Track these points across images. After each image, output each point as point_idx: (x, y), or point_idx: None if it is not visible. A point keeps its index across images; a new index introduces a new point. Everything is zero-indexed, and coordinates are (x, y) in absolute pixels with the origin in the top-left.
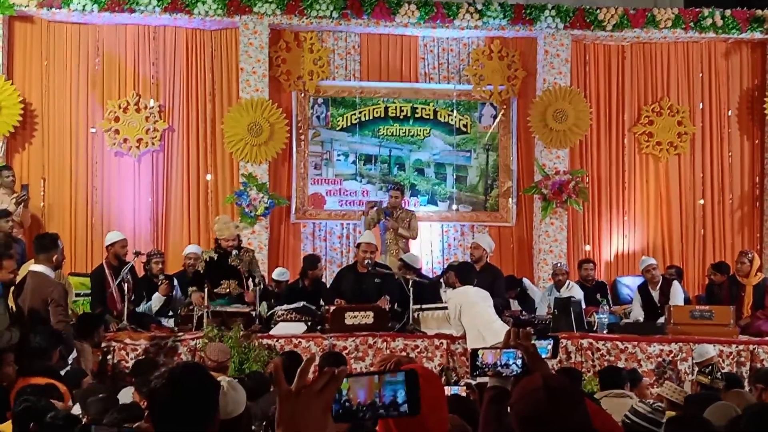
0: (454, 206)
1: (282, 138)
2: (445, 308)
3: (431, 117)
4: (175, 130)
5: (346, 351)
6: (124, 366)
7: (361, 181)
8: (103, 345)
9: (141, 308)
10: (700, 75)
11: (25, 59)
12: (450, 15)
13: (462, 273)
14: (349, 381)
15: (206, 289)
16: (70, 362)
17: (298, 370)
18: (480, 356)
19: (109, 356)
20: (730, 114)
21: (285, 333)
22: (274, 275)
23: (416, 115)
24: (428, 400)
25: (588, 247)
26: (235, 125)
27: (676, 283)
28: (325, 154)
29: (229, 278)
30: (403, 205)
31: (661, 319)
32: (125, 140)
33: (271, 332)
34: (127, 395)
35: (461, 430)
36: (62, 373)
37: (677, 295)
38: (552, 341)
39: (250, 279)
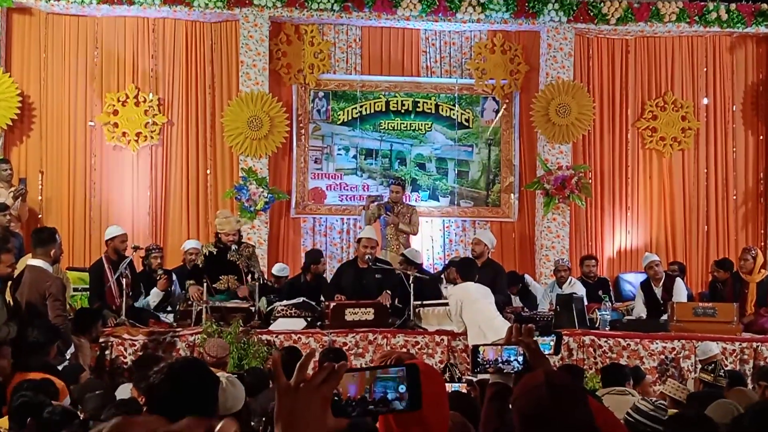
0: (456, 201)
1: (282, 132)
2: (446, 304)
3: (433, 111)
4: (175, 123)
5: (346, 347)
6: (122, 361)
7: (361, 176)
8: (101, 340)
9: (139, 303)
10: (705, 69)
11: (23, 51)
12: (452, 8)
13: (463, 269)
14: (344, 375)
15: (205, 284)
16: (67, 357)
17: (298, 364)
18: (481, 353)
19: (107, 351)
20: (734, 109)
21: (284, 329)
22: (274, 271)
23: (418, 109)
24: (429, 397)
25: None
26: (234, 119)
27: (679, 279)
28: (326, 148)
29: (227, 273)
30: (404, 200)
31: (664, 316)
32: (124, 134)
33: (271, 328)
34: (125, 391)
35: (462, 427)
36: (60, 368)
37: (680, 291)
38: (554, 338)
39: (249, 274)
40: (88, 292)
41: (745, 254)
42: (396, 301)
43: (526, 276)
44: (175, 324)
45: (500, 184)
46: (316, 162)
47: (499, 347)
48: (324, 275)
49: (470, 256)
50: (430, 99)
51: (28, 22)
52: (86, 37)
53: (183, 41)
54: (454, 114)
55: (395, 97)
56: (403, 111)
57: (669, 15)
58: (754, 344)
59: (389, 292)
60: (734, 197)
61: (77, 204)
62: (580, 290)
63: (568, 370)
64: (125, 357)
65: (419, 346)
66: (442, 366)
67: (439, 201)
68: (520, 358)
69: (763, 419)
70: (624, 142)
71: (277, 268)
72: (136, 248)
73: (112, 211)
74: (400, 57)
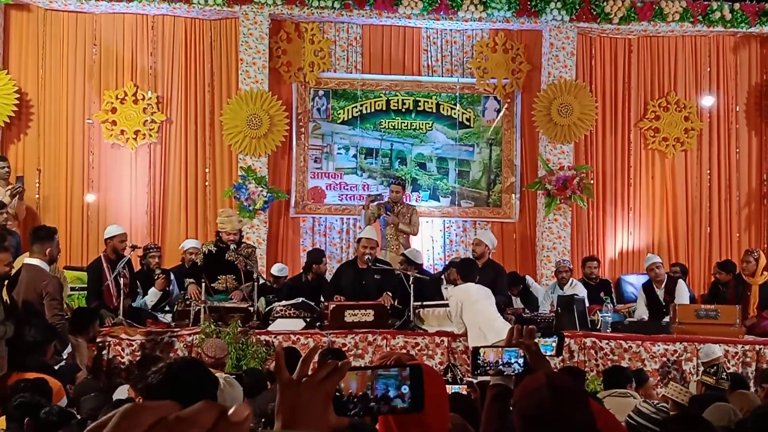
0: (457, 201)
1: (282, 131)
2: (447, 305)
3: (434, 110)
4: (173, 121)
5: (346, 348)
6: (120, 361)
7: (361, 175)
8: (98, 340)
9: (137, 303)
10: (708, 69)
11: (20, 48)
12: (454, 6)
13: (464, 270)
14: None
15: (203, 284)
16: (64, 357)
17: (302, 358)
18: (481, 354)
19: (104, 351)
20: (738, 109)
21: (283, 329)
22: (273, 271)
23: (418, 109)
24: (429, 398)
25: None
26: (234, 117)
27: (681, 281)
28: (326, 147)
29: (226, 273)
30: (404, 200)
31: (666, 318)
32: (122, 132)
33: (269, 328)
34: (122, 393)
35: (462, 429)
36: (57, 367)
37: (683, 293)
38: (556, 339)
39: (248, 275)
40: (86, 292)
41: (748, 256)
42: (396, 302)
43: (527, 277)
44: (173, 324)
45: (501, 184)
46: (315, 161)
47: (500, 349)
48: (325, 275)
49: (471, 256)
50: (431, 98)
51: (26, 19)
52: (84, 33)
53: (182, 38)
54: (455, 113)
55: (396, 96)
56: (403, 110)
57: (672, 14)
58: (757, 347)
59: (390, 293)
60: (737, 198)
61: (75, 202)
62: (582, 291)
63: (569, 371)
64: (122, 357)
65: (419, 348)
66: (442, 367)
67: (439, 201)
68: (521, 360)
69: (766, 422)
70: (626, 142)
71: (276, 269)
72: (134, 247)
73: (109, 210)
74: (401, 55)
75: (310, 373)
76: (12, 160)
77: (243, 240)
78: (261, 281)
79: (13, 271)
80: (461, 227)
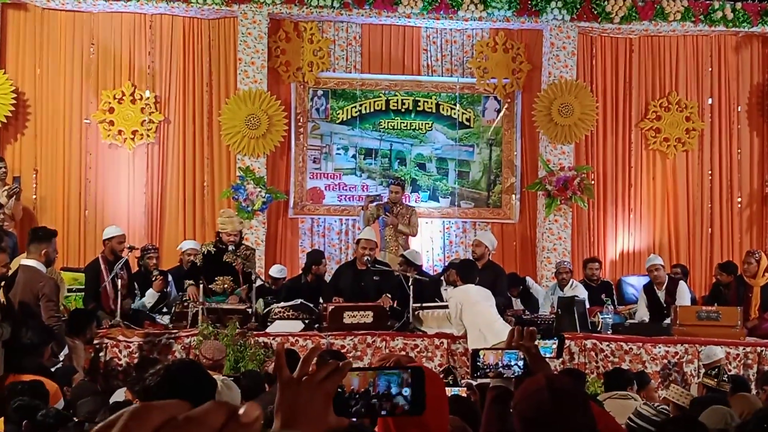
0: (456, 202)
1: (280, 131)
2: (446, 307)
3: (433, 110)
4: (171, 121)
5: (345, 350)
6: (117, 363)
7: (360, 176)
8: (95, 342)
9: (135, 305)
10: (710, 69)
11: (18, 47)
12: (454, 5)
13: (463, 271)
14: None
15: (201, 285)
16: (61, 359)
17: (303, 357)
18: (481, 357)
19: (102, 353)
20: (739, 110)
21: (281, 331)
22: (272, 272)
23: (418, 109)
24: (429, 400)
25: None
26: (232, 117)
27: (682, 283)
28: (325, 147)
29: (224, 274)
30: (403, 201)
31: (667, 320)
32: (120, 132)
33: (268, 330)
34: (120, 396)
35: (462, 431)
36: (53, 370)
37: (684, 295)
38: (557, 341)
39: (245, 276)
40: (83, 293)
41: (749, 258)
42: (395, 304)
43: (528, 278)
44: (170, 326)
45: (501, 184)
46: (314, 161)
47: (500, 351)
48: (325, 276)
49: (470, 257)
50: (431, 98)
51: (23, 18)
52: (82, 33)
53: (180, 38)
54: (455, 113)
55: (395, 96)
56: (403, 110)
57: (674, 14)
58: (758, 349)
59: (389, 295)
60: (739, 199)
61: (72, 203)
62: (582, 293)
63: (569, 374)
64: (120, 359)
65: (418, 349)
66: (441, 369)
67: (439, 202)
68: (521, 363)
69: (767, 425)
70: (627, 142)
71: (275, 270)
72: (131, 248)
73: (107, 211)
74: (400, 55)
75: (310, 372)
76: (9, 160)
77: (243, 242)
78: (259, 282)
79: (10, 272)
80: (461, 228)
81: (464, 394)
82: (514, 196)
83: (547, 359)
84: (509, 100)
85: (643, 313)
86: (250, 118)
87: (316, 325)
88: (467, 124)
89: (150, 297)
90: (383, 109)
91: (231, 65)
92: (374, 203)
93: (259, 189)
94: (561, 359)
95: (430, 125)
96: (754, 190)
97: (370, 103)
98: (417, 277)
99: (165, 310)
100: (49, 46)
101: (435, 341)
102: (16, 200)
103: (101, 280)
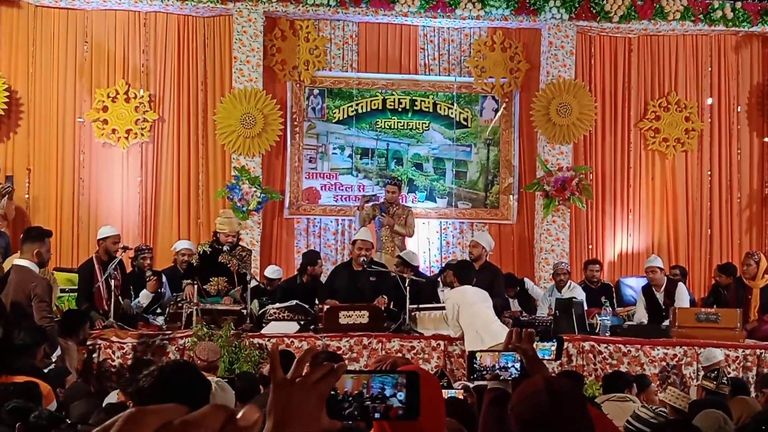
0: (453, 203)
1: (276, 130)
2: (443, 308)
3: (431, 110)
4: (166, 120)
5: (340, 351)
6: (110, 365)
7: (357, 176)
8: (88, 343)
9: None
10: (709, 69)
11: (10, 45)
12: (451, 4)
13: (460, 272)
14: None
15: (196, 286)
16: (53, 360)
17: (296, 359)
18: (478, 359)
19: (95, 354)
20: (739, 110)
21: (277, 332)
22: (267, 273)
23: (415, 108)
24: (425, 403)
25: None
26: (227, 116)
27: (681, 284)
28: (321, 147)
29: (218, 275)
30: (400, 201)
31: (666, 322)
32: (114, 131)
33: (263, 331)
34: (114, 398)
35: None
36: (46, 371)
37: (683, 297)
38: (555, 343)
39: (240, 277)
40: (76, 293)
41: (749, 259)
42: (391, 305)
43: (526, 280)
44: (165, 327)
45: (499, 185)
46: (310, 161)
47: (497, 353)
48: (320, 277)
49: (468, 258)
50: (428, 97)
51: (16, 15)
52: (75, 31)
53: (175, 36)
54: (452, 113)
55: (392, 95)
56: (400, 109)
57: (673, 13)
58: (758, 351)
59: (385, 296)
60: (738, 200)
61: (65, 202)
62: (580, 295)
63: (567, 376)
64: (113, 360)
65: (415, 351)
66: (437, 371)
67: (436, 202)
68: (518, 365)
69: (766, 428)
70: (626, 142)
71: (270, 270)
72: (125, 248)
73: (100, 210)
74: (397, 54)
75: (304, 374)
76: (1, 159)
77: (239, 243)
78: (254, 283)
79: (3, 273)
80: (458, 229)
81: (461, 397)
82: (511, 196)
83: (545, 361)
84: (507, 100)
85: (641, 315)
86: (246, 117)
87: (312, 327)
88: (465, 123)
89: (144, 297)
90: (380, 108)
91: (226, 64)
92: (370, 203)
93: (255, 189)
94: (559, 361)
95: (427, 125)
96: (754, 191)
97: (366, 102)
98: (413, 278)
99: (159, 310)
100: (42, 44)
101: (432, 343)
102: (9, 200)
103: (95, 280)
